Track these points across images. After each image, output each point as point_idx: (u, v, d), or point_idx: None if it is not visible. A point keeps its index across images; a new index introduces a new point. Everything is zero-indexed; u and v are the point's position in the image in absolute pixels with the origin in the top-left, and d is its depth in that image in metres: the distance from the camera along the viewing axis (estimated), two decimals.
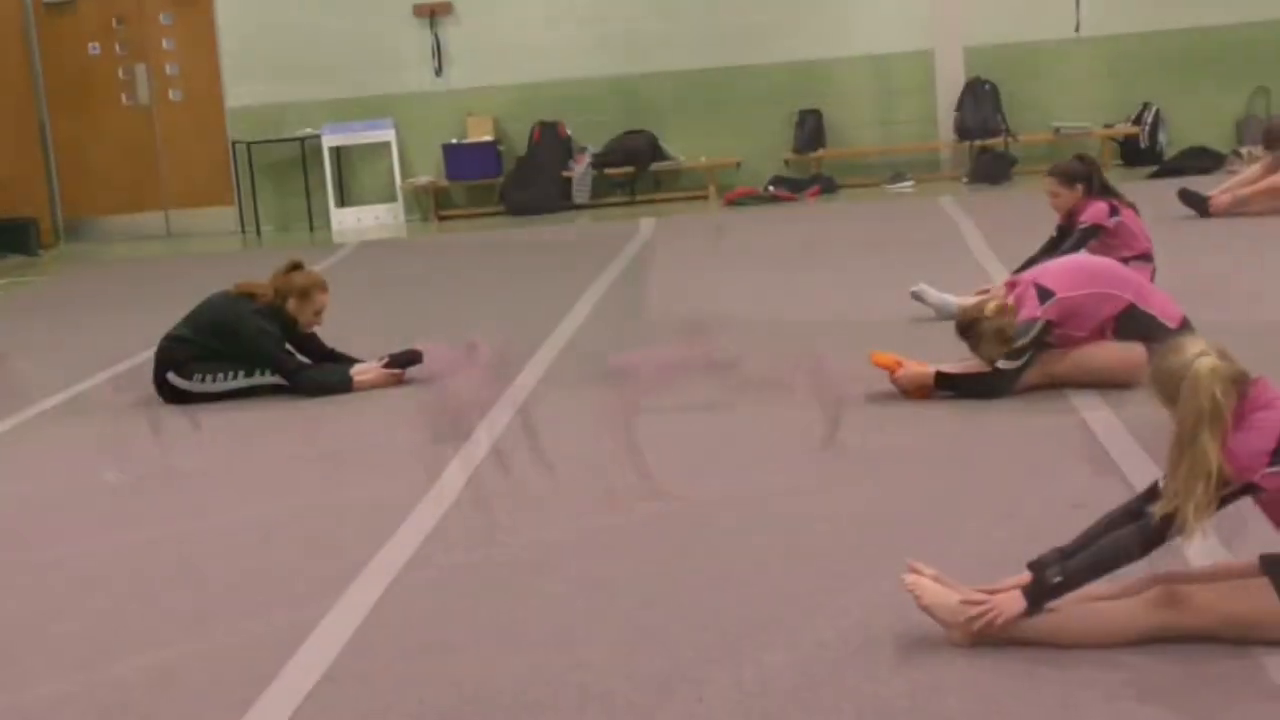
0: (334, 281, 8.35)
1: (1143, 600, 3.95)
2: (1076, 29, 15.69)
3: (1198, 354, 3.90)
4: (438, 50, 16.18)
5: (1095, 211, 8.31)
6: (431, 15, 16.15)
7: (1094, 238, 8.22)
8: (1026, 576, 4.04)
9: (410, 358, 7.97)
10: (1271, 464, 3.83)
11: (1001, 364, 6.56)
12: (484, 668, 4.25)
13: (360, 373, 7.89)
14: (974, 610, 4.01)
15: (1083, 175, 8.46)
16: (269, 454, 6.99)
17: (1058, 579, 3.94)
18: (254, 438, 7.29)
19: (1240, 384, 3.90)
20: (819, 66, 15.96)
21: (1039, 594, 3.97)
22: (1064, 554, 4.03)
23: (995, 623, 3.98)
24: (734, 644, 4.25)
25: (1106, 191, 8.49)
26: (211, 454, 7.10)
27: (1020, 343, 6.51)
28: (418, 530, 5.53)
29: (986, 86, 15.67)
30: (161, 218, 16.84)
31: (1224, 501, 3.90)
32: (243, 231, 16.44)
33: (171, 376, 7.92)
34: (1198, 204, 11.53)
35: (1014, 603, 3.99)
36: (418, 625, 4.62)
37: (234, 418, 7.62)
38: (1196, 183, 12.43)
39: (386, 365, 7.91)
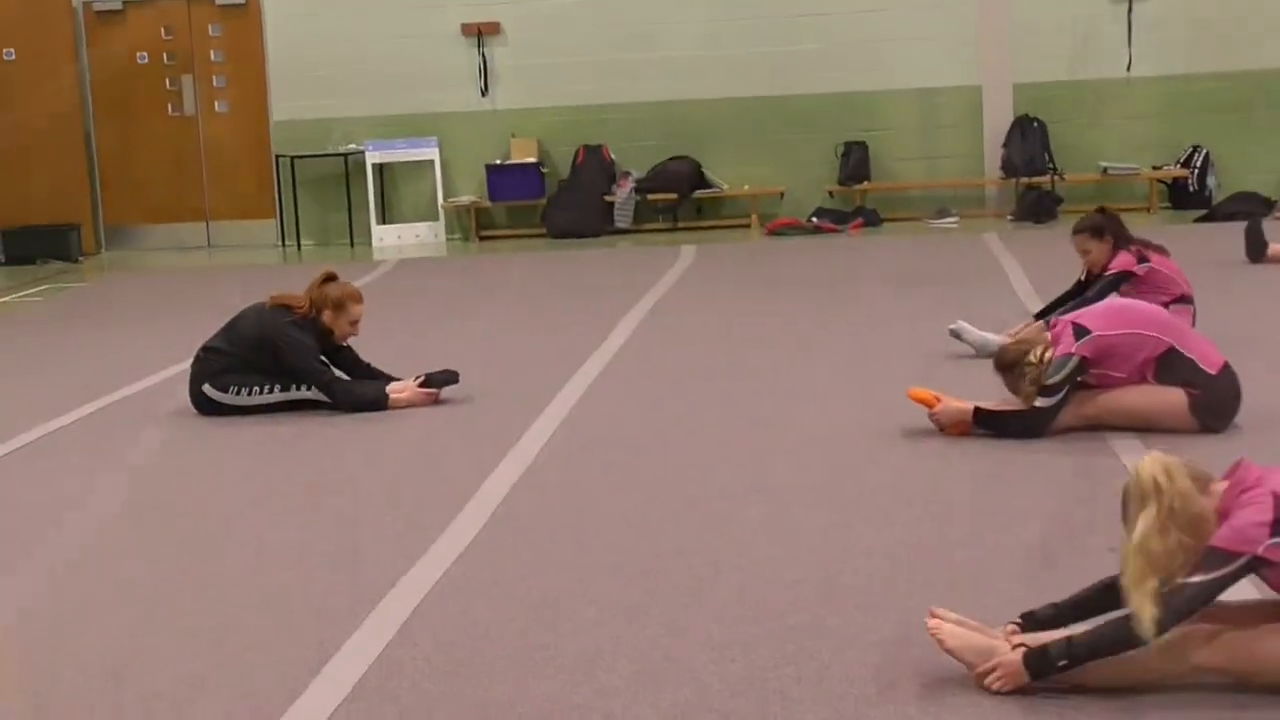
0: (372, 299, 8.40)
1: (1171, 643, 3.93)
2: (1128, 68, 15.67)
3: (1142, 460, 3.97)
4: (484, 70, 16.27)
5: (1122, 260, 8.28)
6: (479, 35, 16.25)
7: (1123, 283, 8.16)
8: (1019, 632, 4.12)
9: (446, 378, 8.00)
10: (1273, 535, 3.80)
11: (1039, 402, 6.56)
12: (509, 692, 4.26)
13: (396, 391, 7.92)
14: (982, 675, 4.02)
15: (1110, 228, 8.42)
16: (302, 468, 7.03)
17: (1063, 663, 3.95)
18: (288, 452, 7.33)
19: (1198, 472, 3.93)
20: (866, 98, 15.98)
21: (1042, 671, 3.97)
22: (1058, 610, 4.12)
23: (1002, 690, 3.98)
24: (761, 676, 4.26)
25: (1130, 241, 8.42)
26: (245, 467, 7.14)
27: (1054, 379, 6.51)
28: (449, 550, 5.56)
29: (1035, 124, 15.66)
30: (203, 228, 16.96)
31: (1227, 581, 3.87)
32: (283, 245, 16.54)
33: (207, 388, 7.98)
34: (1257, 245, 11.41)
35: (1018, 673, 3.99)
36: (445, 646, 4.64)
37: (269, 431, 7.66)
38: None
39: (422, 384, 7.95)
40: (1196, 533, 3.87)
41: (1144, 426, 6.52)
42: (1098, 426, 6.63)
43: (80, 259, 16.04)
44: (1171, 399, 6.51)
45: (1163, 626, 3.84)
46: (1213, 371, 6.56)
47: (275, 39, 16.47)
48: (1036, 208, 15.28)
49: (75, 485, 6.93)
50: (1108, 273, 8.27)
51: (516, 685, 4.30)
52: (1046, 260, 12.05)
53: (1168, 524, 3.85)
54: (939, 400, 6.76)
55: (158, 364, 9.49)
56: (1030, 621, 4.14)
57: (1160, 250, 8.45)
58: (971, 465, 6.37)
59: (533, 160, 16.13)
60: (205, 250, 16.73)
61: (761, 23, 15.97)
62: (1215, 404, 6.56)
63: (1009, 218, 15.42)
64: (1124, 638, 3.86)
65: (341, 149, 16.30)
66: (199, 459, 7.31)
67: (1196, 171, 15.54)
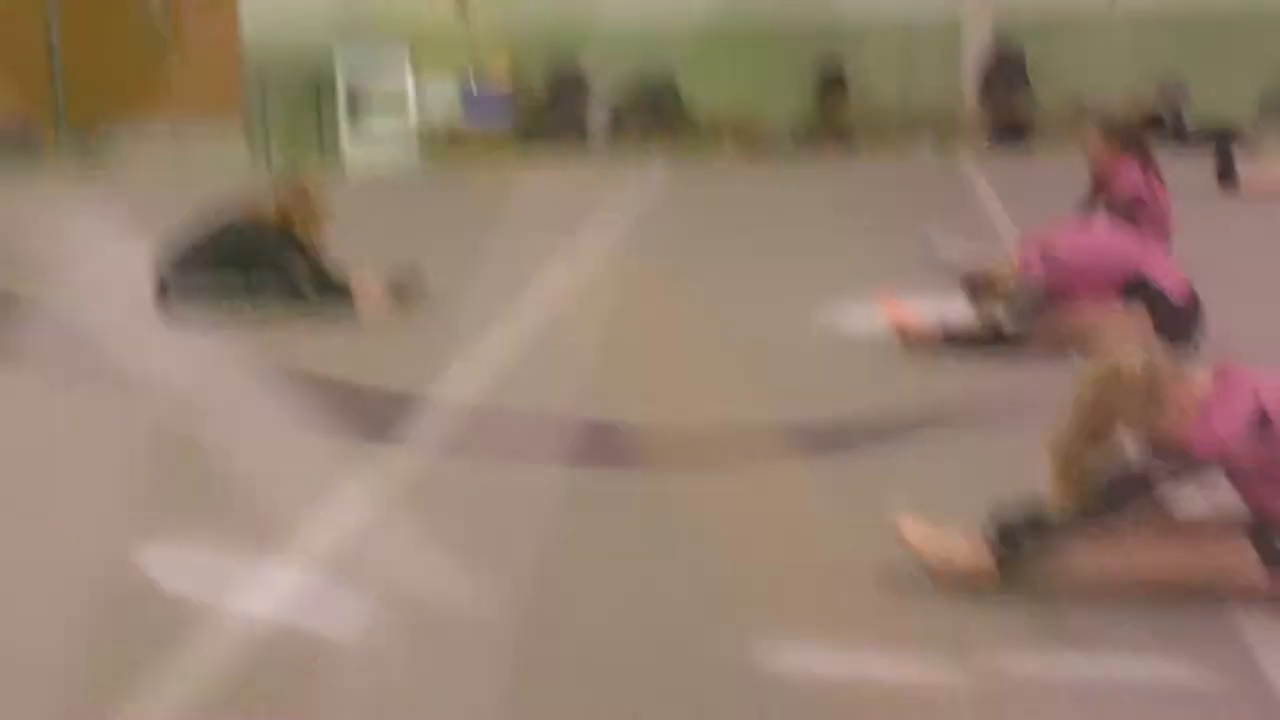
0: (341, 215, 8.30)
1: (1123, 544, 3.91)
2: (1110, 1, 15.60)
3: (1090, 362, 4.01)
4: None
5: (1131, 179, 8.11)
6: None
7: (1133, 210, 8.04)
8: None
9: (414, 280, 7.95)
10: (1248, 435, 3.78)
11: (1006, 326, 6.52)
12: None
13: (363, 288, 7.88)
14: (940, 567, 3.95)
15: (1124, 134, 8.27)
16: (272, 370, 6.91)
17: (1026, 539, 3.88)
18: (252, 355, 7.22)
19: (1161, 370, 3.89)
20: (847, 24, 15.83)
21: (1007, 549, 3.90)
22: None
23: (959, 575, 3.92)
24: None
25: (1146, 159, 8.27)
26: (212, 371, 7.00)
27: (1020, 302, 6.48)
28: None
29: (1014, 54, 15.56)
30: (169, 129, 16.70)
31: (1186, 477, 3.84)
32: (253, 152, 16.36)
33: (170, 294, 7.88)
34: (1227, 169, 11.41)
35: (980, 555, 3.93)
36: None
37: (229, 337, 7.54)
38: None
39: (388, 289, 7.89)
40: (1110, 425, 3.89)
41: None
42: (1064, 348, 6.58)
43: (43, 158, 15.80)
44: (1135, 324, 6.47)
45: (1102, 507, 3.83)
46: (1177, 298, 6.52)
47: None
48: (1013, 136, 15.24)
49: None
50: (1119, 190, 8.08)
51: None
52: (1020, 186, 12.05)
53: (1082, 428, 3.87)
54: (908, 315, 6.73)
55: (124, 270, 9.33)
56: (1005, 531, 4.08)
57: (1160, 180, 8.32)
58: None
59: (507, 78, 15.98)
60: (171, 151, 16.48)
61: None
62: (1179, 329, 6.52)
63: (986, 145, 15.35)
64: (1082, 512, 3.85)
65: (314, 63, 16.10)
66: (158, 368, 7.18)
67: (1173, 104, 15.48)
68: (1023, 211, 10.05)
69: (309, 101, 16.22)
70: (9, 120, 16.02)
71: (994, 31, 15.71)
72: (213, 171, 15.31)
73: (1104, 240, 6.77)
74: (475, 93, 15.97)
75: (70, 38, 16.51)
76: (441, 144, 16.17)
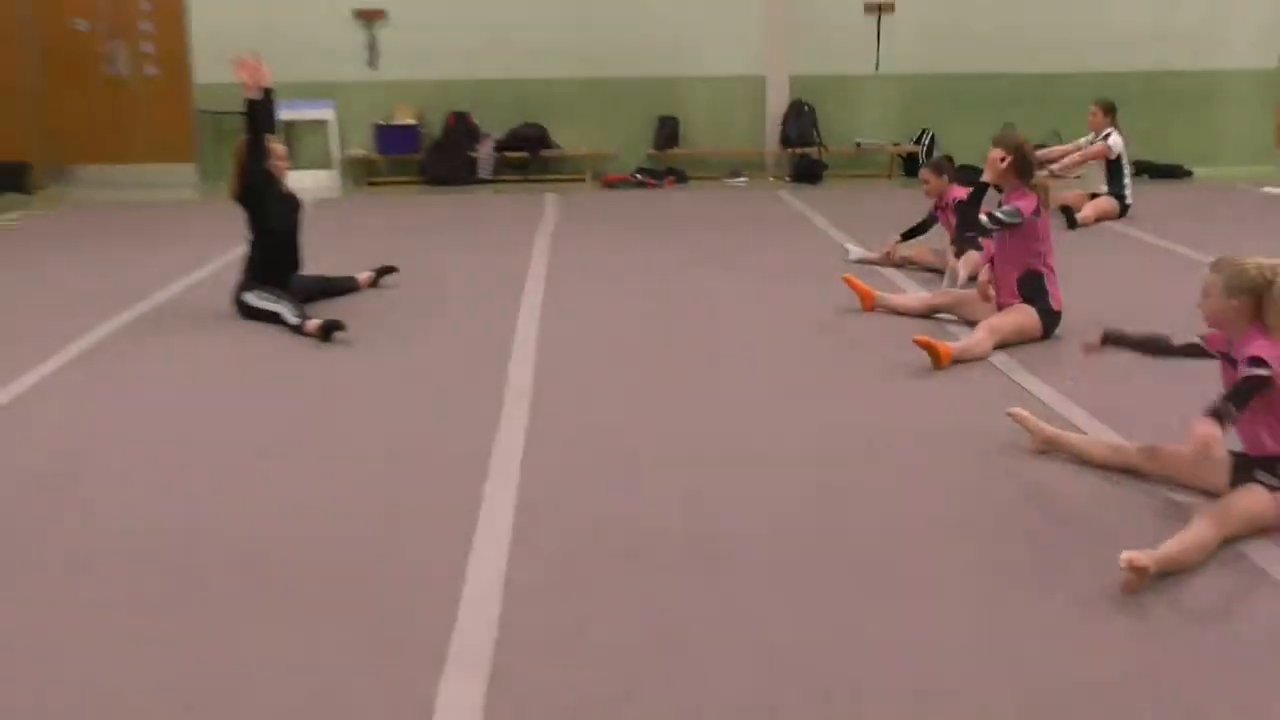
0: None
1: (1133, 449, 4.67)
2: (876, 67, 15.93)
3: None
4: (373, 47, 15.67)
5: (959, 190, 8.64)
6: (369, 18, 15.65)
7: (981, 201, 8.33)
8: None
9: (388, 269, 8.71)
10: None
11: (984, 219, 6.74)
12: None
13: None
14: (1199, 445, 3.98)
15: (947, 169, 8.91)
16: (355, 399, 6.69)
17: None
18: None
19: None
20: (676, 82, 15.90)
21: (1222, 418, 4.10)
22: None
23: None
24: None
25: (956, 178, 8.93)
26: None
27: (1001, 216, 6.66)
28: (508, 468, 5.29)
29: (806, 107, 15.81)
30: (132, 170, 15.96)
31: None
32: (204, 183, 15.71)
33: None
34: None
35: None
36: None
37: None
38: None
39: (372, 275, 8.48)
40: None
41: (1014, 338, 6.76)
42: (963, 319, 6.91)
43: (34, 192, 14.97)
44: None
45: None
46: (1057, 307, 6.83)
47: (198, 15, 15.55)
48: (806, 172, 15.47)
49: (156, 378, 6.46)
50: (956, 198, 8.55)
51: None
52: (831, 208, 12.26)
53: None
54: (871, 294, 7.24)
55: (157, 281, 8.93)
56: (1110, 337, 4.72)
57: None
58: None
59: (412, 122, 15.63)
60: (138, 190, 15.75)
61: (595, 16, 15.74)
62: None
63: (787, 179, 15.57)
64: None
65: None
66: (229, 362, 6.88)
67: (925, 148, 15.91)
68: (847, 225, 10.30)
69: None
70: (6, 158, 15.06)
71: (790, 88, 15.92)
72: (175, 201, 14.66)
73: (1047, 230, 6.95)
74: (387, 131, 15.57)
75: (54, 95, 15.56)
76: (359, 171, 15.76)
